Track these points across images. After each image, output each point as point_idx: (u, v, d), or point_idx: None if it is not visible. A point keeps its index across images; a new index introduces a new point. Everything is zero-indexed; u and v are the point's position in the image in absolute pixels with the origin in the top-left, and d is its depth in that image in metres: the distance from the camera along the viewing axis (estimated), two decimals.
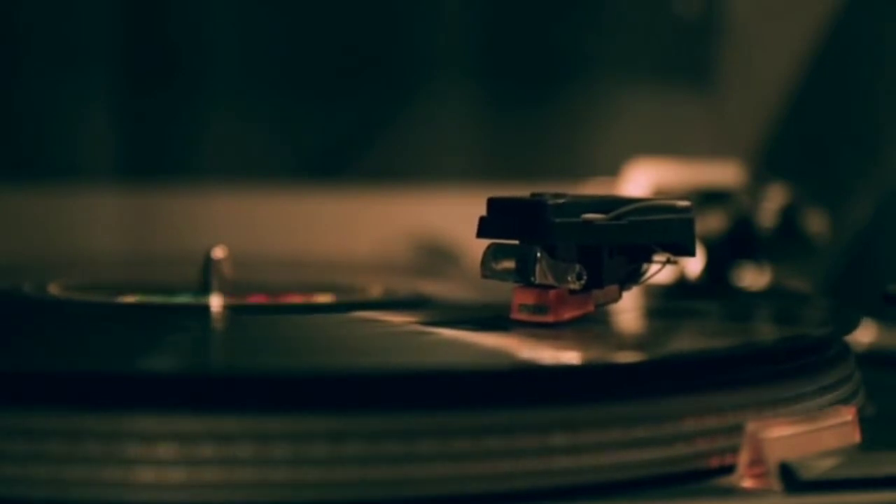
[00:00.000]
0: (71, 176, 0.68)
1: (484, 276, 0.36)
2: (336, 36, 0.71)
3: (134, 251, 0.68)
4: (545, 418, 0.30)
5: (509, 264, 0.36)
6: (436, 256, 0.66)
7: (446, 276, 0.57)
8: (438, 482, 0.29)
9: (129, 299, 0.45)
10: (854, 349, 0.39)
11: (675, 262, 0.38)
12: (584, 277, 0.36)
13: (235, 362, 0.33)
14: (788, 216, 0.56)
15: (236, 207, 0.69)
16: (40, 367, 0.31)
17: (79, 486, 0.28)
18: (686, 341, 0.38)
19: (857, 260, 0.63)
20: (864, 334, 0.48)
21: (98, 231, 0.68)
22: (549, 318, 0.36)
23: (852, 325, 0.39)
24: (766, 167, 0.65)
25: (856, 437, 0.33)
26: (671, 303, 0.46)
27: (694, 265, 0.54)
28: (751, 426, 0.31)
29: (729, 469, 0.31)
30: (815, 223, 0.56)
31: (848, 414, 0.33)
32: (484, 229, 0.36)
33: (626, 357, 0.34)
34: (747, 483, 0.31)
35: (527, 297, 0.36)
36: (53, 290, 0.46)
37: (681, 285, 0.52)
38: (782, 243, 0.56)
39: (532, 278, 0.35)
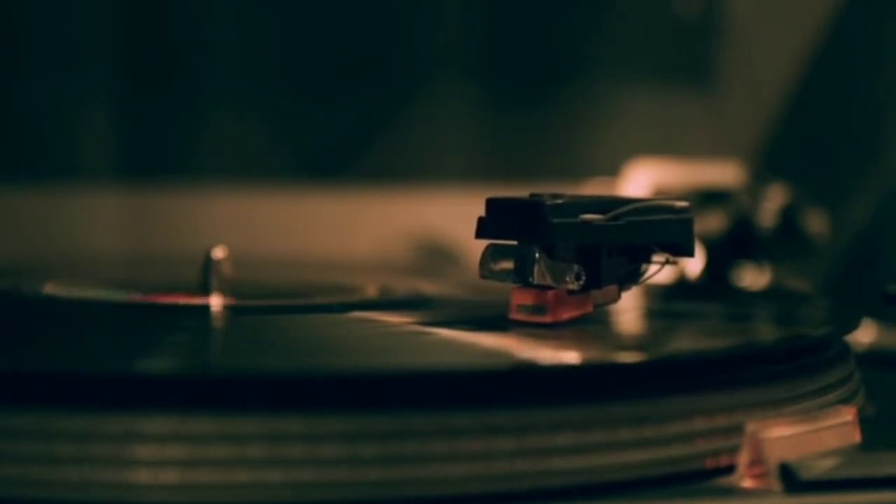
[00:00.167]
0: (71, 176, 0.68)
1: (482, 276, 0.36)
2: (336, 36, 0.71)
3: (134, 251, 0.68)
4: (544, 419, 0.30)
5: (508, 265, 0.36)
6: (436, 256, 0.66)
7: (446, 276, 0.57)
8: (437, 482, 0.29)
9: (129, 299, 0.45)
10: (854, 349, 0.39)
11: (674, 263, 0.38)
12: (583, 278, 0.36)
13: (234, 363, 0.33)
14: (788, 216, 0.56)
15: (236, 207, 0.69)
16: (40, 367, 0.31)
17: (79, 487, 0.28)
18: (686, 341, 0.38)
19: (857, 260, 0.63)
20: (864, 334, 0.48)
21: (98, 231, 0.68)
22: (548, 319, 0.36)
23: (853, 325, 0.39)
24: (766, 167, 0.65)
25: (856, 437, 0.33)
26: (671, 303, 0.46)
27: (694, 265, 0.54)
28: (751, 426, 0.31)
29: (729, 469, 0.31)
30: (815, 223, 0.56)
31: (848, 414, 0.33)
32: (482, 230, 0.36)
33: (626, 357, 0.34)
34: (747, 483, 0.31)
35: (525, 298, 0.36)
36: (53, 289, 0.46)
37: (681, 285, 0.52)
38: (782, 243, 0.56)
39: (530, 279, 0.35)
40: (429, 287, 0.48)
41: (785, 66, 0.69)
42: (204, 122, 0.69)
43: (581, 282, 0.36)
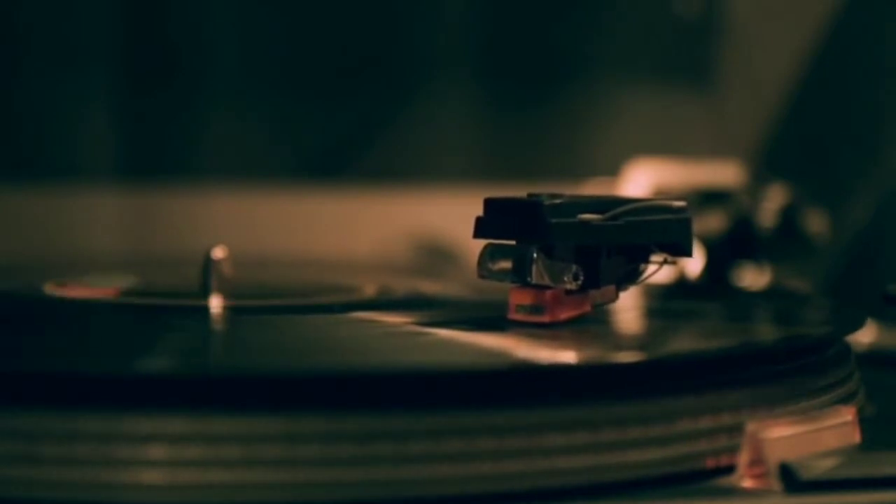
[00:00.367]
0: (71, 176, 0.68)
1: (480, 276, 0.36)
2: (336, 36, 0.71)
3: (134, 251, 0.68)
4: (544, 418, 0.30)
5: (506, 264, 0.36)
6: (435, 256, 0.66)
7: (446, 276, 0.57)
8: (437, 482, 0.29)
9: (129, 299, 0.45)
10: (854, 349, 0.39)
11: (672, 263, 0.38)
12: (581, 278, 0.36)
13: (234, 363, 0.33)
14: (788, 216, 0.56)
15: (236, 207, 0.69)
16: (39, 367, 0.31)
17: (79, 487, 0.28)
18: (686, 341, 0.38)
19: (857, 260, 0.63)
20: (864, 334, 0.48)
21: (98, 231, 0.68)
22: (546, 319, 0.36)
23: (857, 325, 0.39)
24: (766, 167, 0.65)
25: (856, 437, 0.33)
26: (671, 303, 0.46)
27: (694, 265, 0.54)
28: (751, 426, 0.31)
29: (729, 469, 0.31)
30: (815, 223, 0.56)
31: (848, 414, 0.33)
32: (481, 229, 0.36)
33: (626, 357, 0.34)
34: (747, 483, 0.30)
35: (523, 298, 0.36)
36: (53, 289, 0.46)
37: (681, 285, 0.52)
38: (782, 243, 0.56)
39: (528, 278, 0.35)
40: (429, 287, 0.48)
41: (785, 66, 0.69)
42: (204, 122, 0.69)
43: (579, 282, 0.36)
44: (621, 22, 0.73)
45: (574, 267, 0.36)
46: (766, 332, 0.42)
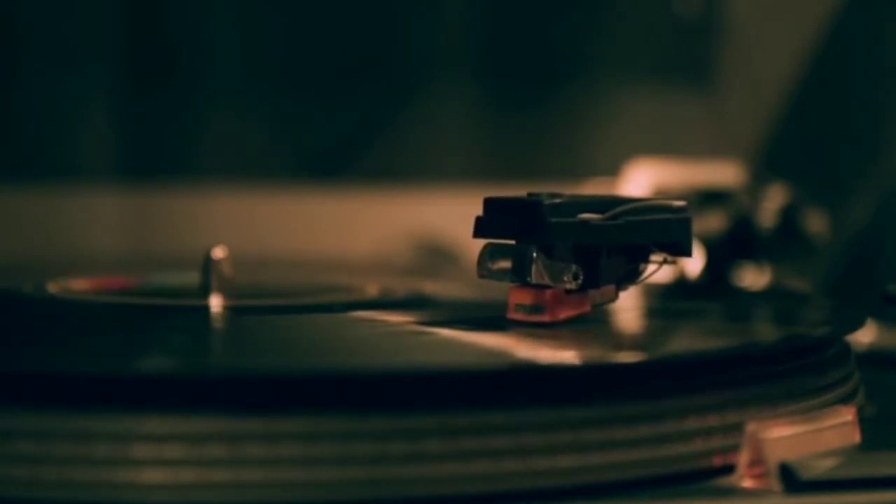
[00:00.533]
0: (71, 176, 0.68)
1: (480, 275, 0.36)
2: (336, 36, 0.71)
3: (134, 251, 0.68)
4: (543, 418, 0.30)
5: (505, 264, 0.36)
6: (435, 256, 0.66)
7: (446, 276, 0.57)
8: (437, 482, 0.29)
9: (129, 299, 0.45)
10: (854, 349, 0.39)
11: (672, 262, 0.38)
12: (581, 277, 0.36)
13: (234, 363, 0.33)
14: (788, 216, 0.56)
15: (236, 207, 0.69)
16: (39, 367, 0.31)
17: (79, 487, 0.28)
18: (686, 341, 0.38)
19: (857, 260, 0.63)
20: (864, 334, 0.48)
21: (98, 231, 0.68)
22: (546, 318, 0.36)
23: (857, 325, 0.39)
24: (766, 167, 0.65)
25: (856, 437, 0.33)
26: (671, 303, 0.46)
27: (694, 265, 0.54)
28: (751, 426, 0.31)
29: (729, 469, 0.31)
30: (815, 223, 0.56)
31: (848, 414, 0.33)
32: (480, 229, 0.36)
33: (626, 357, 0.34)
34: (747, 483, 0.30)
35: (523, 297, 0.36)
36: (53, 289, 0.46)
37: (681, 285, 0.52)
38: (782, 243, 0.56)
39: (528, 278, 0.35)
40: (429, 287, 0.48)
41: (785, 66, 0.69)
42: (204, 122, 0.69)
43: (579, 281, 0.36)
44: (621, 22, 0.73)
45: (574, 266, 0.36)
46: (766, 332, 0.42)
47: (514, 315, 0.36)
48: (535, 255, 0.35)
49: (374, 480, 0.28)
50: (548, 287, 0.36)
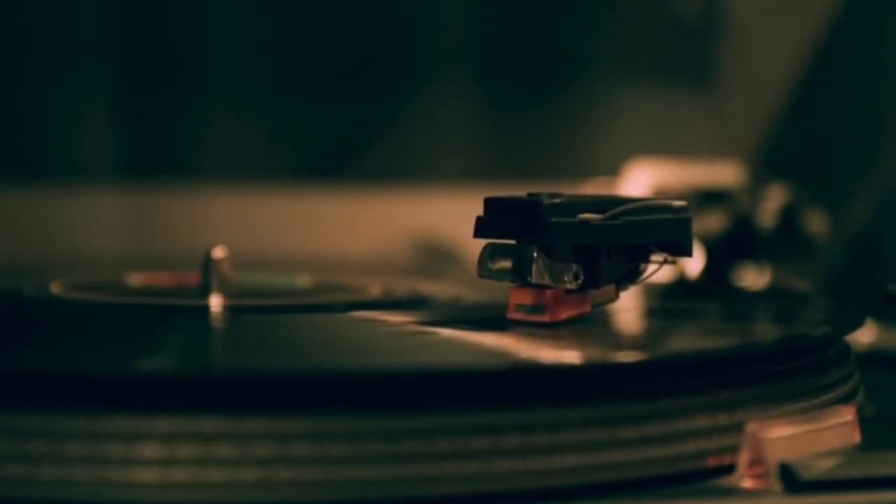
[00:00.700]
0: (71, 176, 0.68)
1: (480, 275, 0.36)
2: (336, 36, 0.71)
3: (134, 251, 0.68)
4: (542, 418, 0.30)
5: (506, 264, 0.36)
6: (436, 256, 0.66)
7: (446, 276, 0.57)
8: (436, 482, 0.29)
9: (129, 299, 0.45)
10: (854, 349, 0.39)
11: (672, 262, 0.38)
12: (581, 277, 0.36)
13: (234, 363, 0.33)
14: (788, 216, 0.56)
15: (236, 207, 0.69)
16: (39, 367, 0.31)
17: (80, 486, 0.28)
18: (686, 341, 0.38)
19: (857, 260, 0.63)
20: (864, 334, 0.48)
21: (98, 231, 0.68)
22: (546, 318, 0.36)
23: (857, 324, 0.39)
24: (766, 167, 0.65)
25: (856, 437, 0.33)
26: (671, 303, 0.46)
27: (694, 265, 0.54)
28: (751, 426, 0.31)
29: (729, 469, 0.31)
30: (815, 223, 0.56)
31: (848, 414, 0.33)
32: (481, 229, 0.36)
33: (626, 357, 0.34)
34: (747, 483, 0.30)
35: (523, 297, 0.36)
36: (53, 290, 0.46)
37: (681, 285, 0.52)
38: (782, 243, 0.56)
39: (529, 278, 0.35)
40: (429, 287, 0.48)
41: (785, 66, 0.69)
42: (204, 122, 0.69)
43: (579, 281, 0.36)
44: (621, 22, 0.73)
45: (574, 266, 0.36)
46: (766, 332, 0.42)
47: (514, 315, 0.36)
48: (535, 255, 0.35)
49: (374, 480, 0.28)
50: (548, 287, 0.36)
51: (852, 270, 0.63)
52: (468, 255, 0.58)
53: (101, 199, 0.68)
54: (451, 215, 0.62)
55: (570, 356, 0.33)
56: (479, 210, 0.36)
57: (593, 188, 0.63)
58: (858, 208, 0.63)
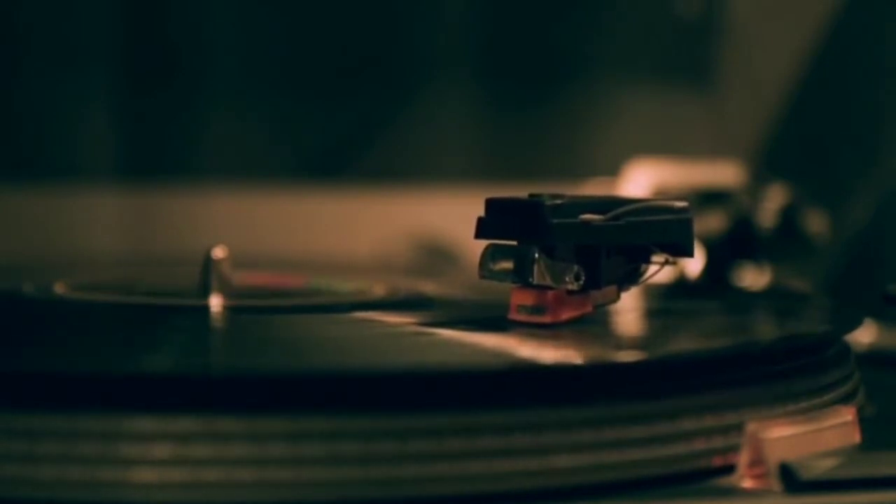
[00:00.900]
0: (71, 176, 0.68)
1: (482, 276, 0.36)
2: (336, 36, 0.71)
3: (134, 251, 0.68)
4: (544, 418, 0.30)
5: (507, 265, 0.36)
6: (436, 256, 0.66)
7: (446, 276, 0.57)
8: (437, 482, 0.29)
9: (129, 299, 0.45)
10: (854, 349, 0.39)
11: (673, 263, 0.38)
12: (583, 278, 0.36)
13: (234, 363, 0.33)
14: (788, 216, 0.56)
15: (236, 207, 0.69)
16: (40, 367, 0.31)
17: (80, 487, 0.28)
18: (686, 341, 0.38)
19: (857, 260, 0.63)
20: (864, 334, 0.48)
21: (98, 231, 0.68)
22: (547, 319, 0.36)
23: (855, 325, 0.39)
24: (766, 167, 0.65)
25: (856, 437, 0.33)
26: (671, 303, 0.46)
27: (694, 265, 0.54)
28: (751, 426, 0.31)
29: (729, 469, 0.31)
30: (815, 223, 0.56)
31: (848, 414, 0.33)
32: (482, 230, 0.36)
33: (626, 357, 0.34)
34: (747, 483, 0.31)
35: (525, 298, 0.36)
36: (54, 290, 0.46)
37: (681, 285, 0.52)
38: (782, 243, 0.56)
39: (530, 279, 0.35)
40: (429, 287, 0.48)
41: (785, 66, 0.69)
42: (204, 122, 0.69)
43: (581, 282, 0.36)
44: (621, 22, 0.73)
45: (576, 267, 0.36)
46: (765, 331, 0.42)
47: (515, 316, 0.36)
48: (536, 255, 0.35)
49: (375, 481, 0.29)
50: (550, 288, 0.36)
51: (852, 270, 0.63)
52: (468, 255, 0.58)
53: (101, 199, 0.68)
54: (451, 215, 0.62)
55: (570, 356, 0.33)
56: (479, 210, 0.36)
57: (593, 188, 0.63)
58: (858, 208, 0.63)
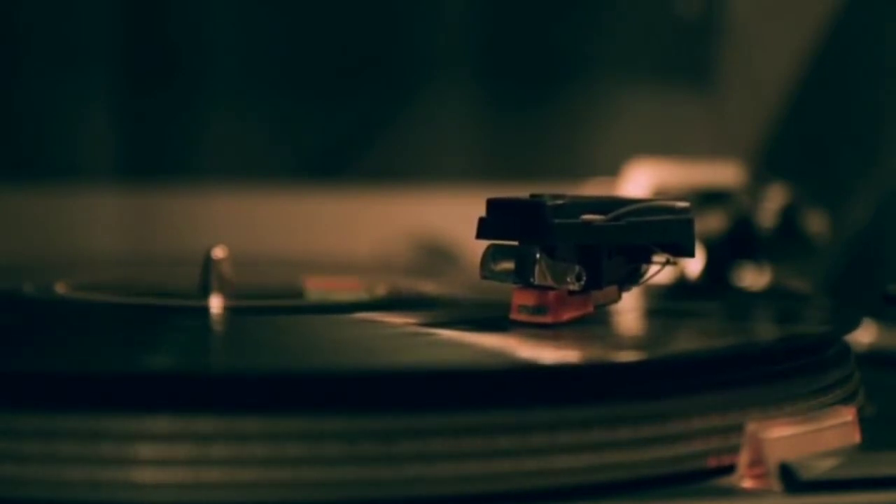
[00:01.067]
0: (71, 176, 0.68)
1: (483, 276, 0.36)
2: (336, 36, 0.71)
3: (134, 251, 0.68)
4: (544, 418, 0.30)
5: (509, 265, 0.36)
6: (435, 256, 0.66)
7: (446, 276, 0.57)
8: (436, 482, 0.29)
9: (129, 299, 0.45)
10: (854, 349, 0.39)
11: (674, 263, 0.38)
12: (584, 278, 0.36)
13: (234, 363, 0.33)
14: (788, 216, 0.56)
15: (236, 207, 0.69)
16: (40, 367, 0.31)
17: (81, 486, 0.28)
18: (686, 341, 0.38)
19: (857, 260, 0.63)
20: (864, 334, 0.48)
21: (98, 231, 0.68)
22: (549, 319, 0.36)
23: (853, 325, 0.39)
24: (766, 167, 0.65)
25: (856, 437, 0.33)
26: (671, 303, 0.46)
27: (694, 265, 0.54)
28: (751, 426, 0.31)
29: (729, 469, 0.31)
30: (815, 223, 0.56)
31: (848, 414, 0.33)
32: (483, 230, 0.36)
33: (626, 357, 0.34)
34: (747, 483, 0.31)
35: (526, 298, 0.36)
36: (54, 290, 0.46)
37: (681, 285, 0.52)
38: (782, 243, 0.56)
39: (531, 279, 0.35)
40: (429, 287, 0.48)
41: (785, 66, 0.69)
42: (204, 122, 0.69)
43: (582, 282, 0.36)
44: (621, 22, 0.73)
45: (577, 267, 0.36)
46: (765, 332, 0.42)
47: (517, 316, 0.36)
48: (538, 256, 0.35)
49: (374, 481, 0.29)
50: (551, 288, 0.36)
51: (852, 270, 0.63)
52: (468, 255, 0.58)
53: (101, 199, 0.68)
54: (451, 215, 0.62)
55: (571, 356, 0.33)
56: (479, 210, 0.36)
57: (593, 188, 0.63)
58: (858, 208, 0.63)
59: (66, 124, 0.68)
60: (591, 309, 0.37)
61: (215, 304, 0.42)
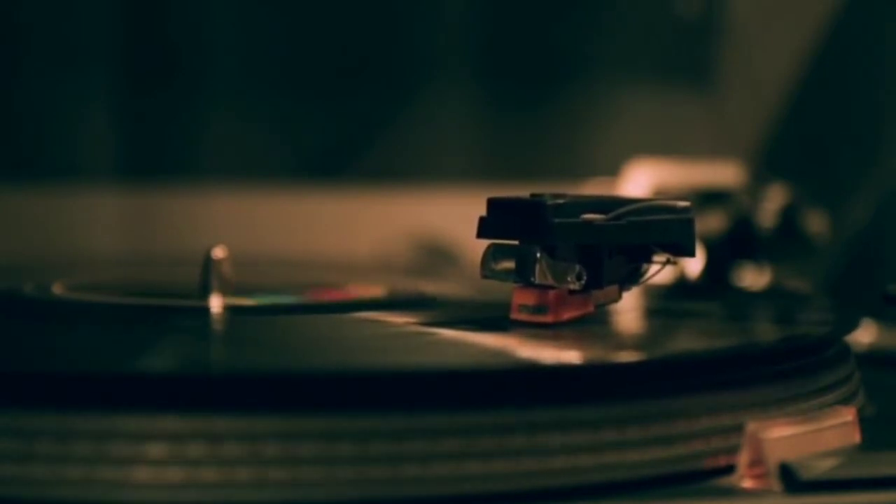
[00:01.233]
0: (71, 176, 0.68)
1: (484, 276, 0.36)
2: (336, 36, 0.71)
3: (134, 251, 0.68)
4: (543, 419, 0.30)
5: (509, 264, 0.36)
6: (435, 256, 0.66)
7: (446, 276, 0.57)
8: (436, 482, 0.29)
9: (129, 300, 0.45)
10: (854, 349, 0.39)
11: (674, 263, 0.38)
12: (584, 278, 0.36)
13: (234, 363, 0.33)
14: (788, 216, 0.56)
15: (236, 207, 0.69)
16: (40, 367, 0.31)
17: (80, 486, 0.28)
18: (686, 341, 0.38)
19: (857, 260, 0.63)
20: (864, 334, 0.48)
21: (98, 231, 0.68)
22: (549, 319, 0.36)
23: (852, 325, 0.39)
24: (766, 167, 0.65)
25: (856, 437, 0.33)
26: (671, 303, 0.46)
27: (694, 265, 0.54)
28: (751, 426, 0.31)
29: (729, 469, 0.31)
30: (815, 223, 0.56)
31: (848, 414, 0.33)
32: (484, 229, 0.36)
33: (626, 357, 0.34)
34: (747, 483, 0.31)
35: (526, 298, 0.36)
36: (54, 290, 0.46)
37: (681, 285, 0.52)
38: (782, 243, 0.56)
39: (532, 278, 0.35)
40: (429, 287, 0.48)
41: (785, 66, 0.69)
42: (204, 122, 0.69)
43: (582, 282, 0.36)
44: (621, 22, 0.73)
45: (577, 267, 0.36)
46: (765, 332, 0.42)
47: (517, 315, 0.36)
48: (538, 255, 0.35)
49: (375, 481, 0.29)
50: (551, 288, 0.36)
51: (852, 270, 0.63)
52: (468, 255, 0.58)
53: (101, 199, 0.68)
54: (451, 215, 0.62)
55: (571, 357, 0.33)
56: (479, 210, 0.36)
57: (593, 188, 0.63)
58: (858, 208, 0.63)
59: (66, 124, 0.68)
60: (591, 308, 0.37)
61: (215, 304, 0.42)
